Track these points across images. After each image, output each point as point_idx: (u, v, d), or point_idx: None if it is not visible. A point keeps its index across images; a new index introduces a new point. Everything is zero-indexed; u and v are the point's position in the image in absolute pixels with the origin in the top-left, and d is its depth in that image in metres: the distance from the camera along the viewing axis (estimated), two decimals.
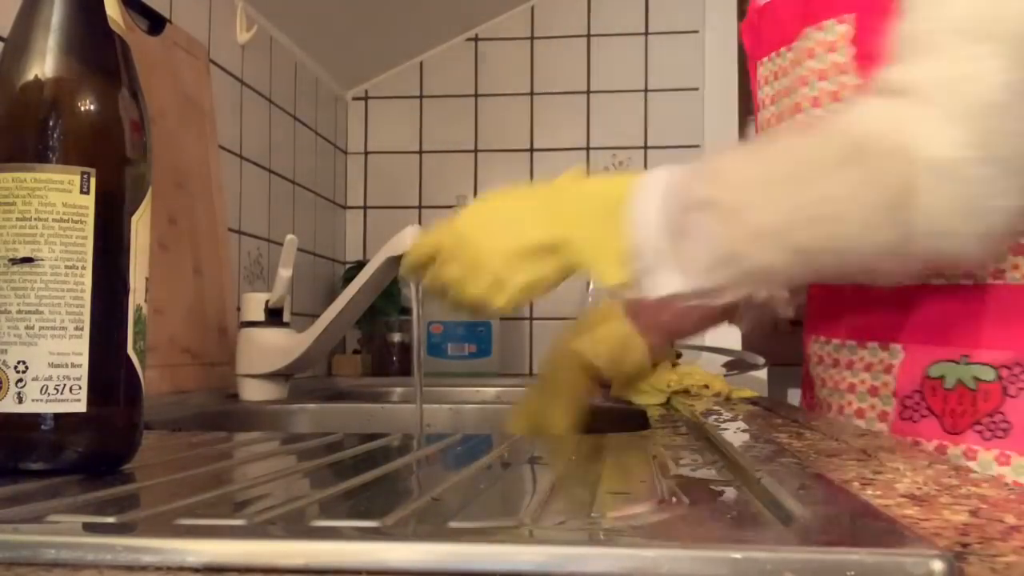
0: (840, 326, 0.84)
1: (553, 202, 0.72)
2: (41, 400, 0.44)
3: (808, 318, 0.91)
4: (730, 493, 0.42)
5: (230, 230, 1.40)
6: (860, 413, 0.82)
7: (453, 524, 0.34)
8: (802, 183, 0.64)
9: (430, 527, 0.35)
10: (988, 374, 0.73)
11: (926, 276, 0.75)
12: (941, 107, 0.62)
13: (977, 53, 0.62)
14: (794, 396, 1.74)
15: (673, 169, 0.69)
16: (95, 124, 0.46)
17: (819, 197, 0.63)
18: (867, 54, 0.73)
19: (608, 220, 0.68)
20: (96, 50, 0.47)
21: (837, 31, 0.77)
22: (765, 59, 0.89)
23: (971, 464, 0.73)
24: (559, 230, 0.70)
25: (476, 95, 2.03)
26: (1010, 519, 0.35)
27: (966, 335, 0.74)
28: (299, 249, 1.67)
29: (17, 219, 0.44)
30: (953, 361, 0.75)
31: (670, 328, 0.94)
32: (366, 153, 2.06)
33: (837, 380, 0.85)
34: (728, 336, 1.75)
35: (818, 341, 0.88)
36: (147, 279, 0.49)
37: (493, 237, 0.72)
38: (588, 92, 2.00)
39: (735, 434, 0.64)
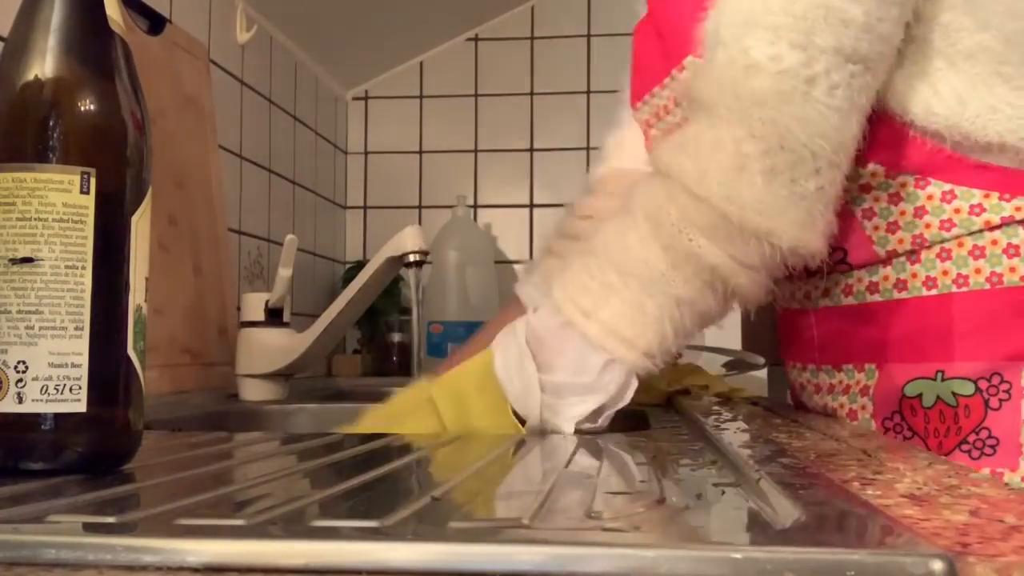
0: (813, 350, 0.81)
1: (431, 401, 0.71)
2: (41, 400, 0.44)
3: (781, 344, 0.88)
4: (730, 493, 0.42)
5: (230, 230, 1.40)
6: None
7: (453, 524, 0.34)
8: (622, 260, 0.65)
9: (430, 527, 0.35)
10: (967, 388, 0.70)
11: (796, 278, 0.73)
12: (720, 109, 0.64)
13: (750, 44, 0.63)
14: None
15: (517, 323, 0.69)
16: (95, 124, 0.46)
17: (641, 263, 0.64)
18: None
19: (486, 392, 0.68)
20: (96, 50, 0.47)
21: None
22: (640, 104, 0.85)
23: None
24: (451, 424, 0.70)
25: (476, 95, 2.03)
26: (1010, 519, 0.35)
27: (938, 349, 0.71)
28: (299, 249, 1.67)
29: (17, 219, 0.44)
30: (929, 378, 0.71)
31: None
32: (366, 153, 2.06)
33: (818, 406, 0.82)
34: (728, 336, 1.75)
35: (795, 368, 0.85)
36: (147, 279, 0.49)
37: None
38: (588, 92, 2.00)
39: (735, 434, 0.64)
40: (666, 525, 0.35)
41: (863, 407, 0.76)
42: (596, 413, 0.67)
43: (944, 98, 0.69)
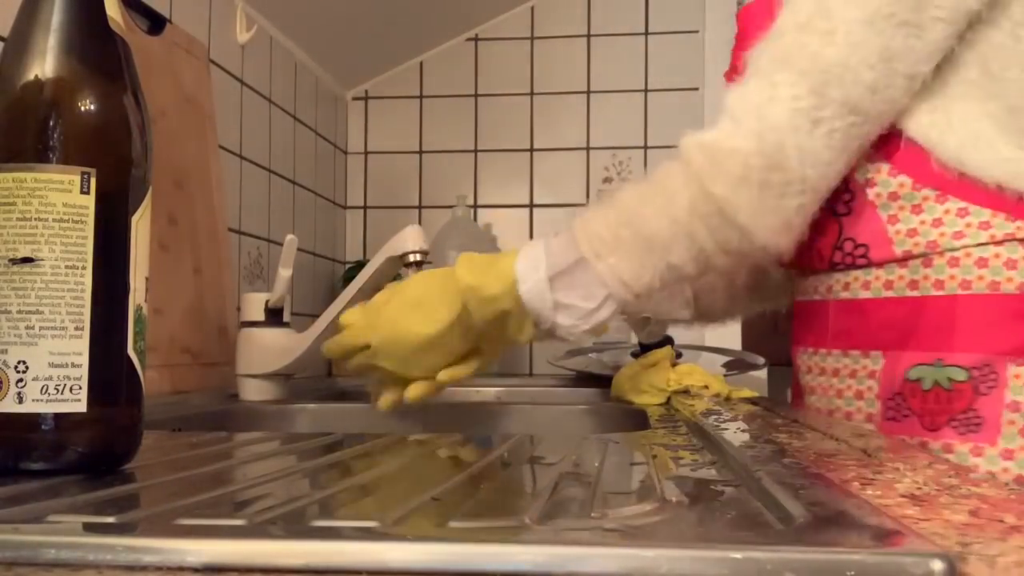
0: (825, 337, 0.91)
1: (453, 283, 0.83)
2: (41, 400, 0.44)
3: (795, 331, 0.98)
4: (730, 493, 0.42)
5: (230, 230, 1.40)
6: (848, 416, 0.88)
7: (453, 524, 0.34)
8: (636, 222, 0.79)
9: (430, 527, 0.35)
10: (961, 375, 0.80)
11: (756, 267, 0.88)
12: (742, 125, 0.78)
13: (779, 81, 0.77)
14: None
15: (541, 242, 0.83)
16: (95, 124, 0.46)
17: (651, 229, 0.79)
18: None
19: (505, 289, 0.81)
20: (96, 50, 0.47)
21: None
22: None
23: (949, 457, 0.79)
24: (464, 310, 0.82)
25: (476, 95, 2.03)
26: (1010, 519, 0.35)
27: (940, 341, 0.82)
28: (299, 249, 1.67)
29: (17, 219, 0.44)
30: (929, 364, 0.82)
31: None
32: (366, 153, 2.06)
33: (826, 387, 0.91)
34: (728, 336, 1.75)
35: (806, 352, 0.95)
36: (147, 279, 0.49)
37: (406, 316, 0.85)
38: (588, 92, 2.00)
39: (735, 434, 0.64)
40: (666, 525, 0.35)
41: (869, 388, 0.86)
42: (592, 331, 0.83)
43: (960, 137, 0.80)
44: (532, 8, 2.02)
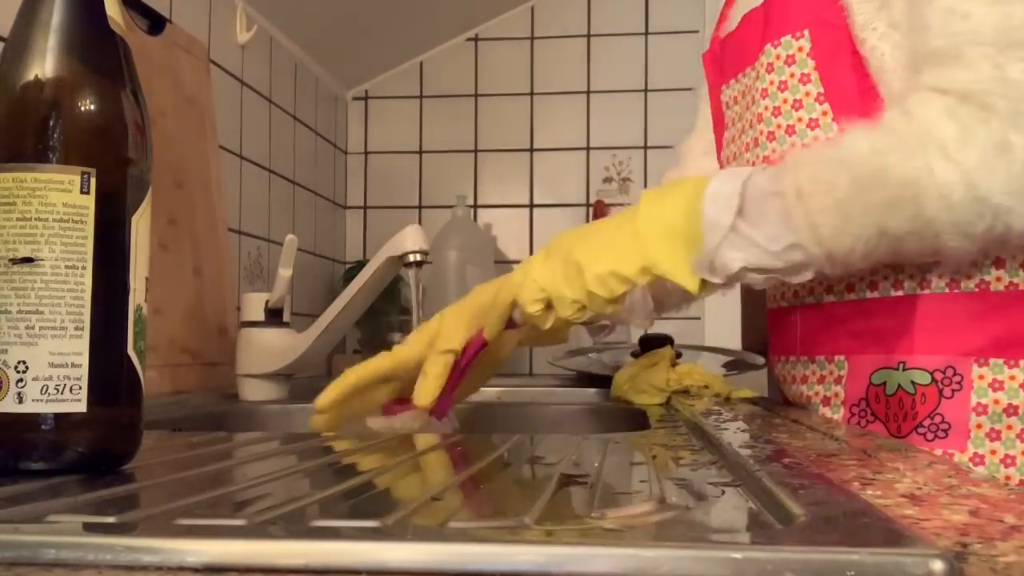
0: (795, 344, 0.89)
1: (634, 219, 0.76)
2: (41, 400, 0.44)
3: (770, 341, 0.96)
4: (730, 493, 0.42)
5: (230, 230, 1.40)
6: None
7: (453, 524, 0.34)
8: (858, 176, 0.69)
9: (430, 527, 0.35)
10: (924, 378, 0.78)
11: (986, 253, 0.77)
12: (981, 106, 0.67)
13: (1002, 61, 0.67)
14: None
15: (744, 171, 0.74)
16: (95, 124, 0.46)
17: (883, 186, 0.68)
18: (825, 65, 0.81)
19: (691, 203, 0.73)
20: (96, 50, 0.47)
21: (794, 45, 0.83)
22: (732, 81, 0.93)
23: None
24: (638, 239, 0.74)
25: (476, 95, 2.03)
26: (1010, 519, 0.35)
27: (902, 343, 0.79)
28: (299, 249, 1.67)
29: (17, 219, 0.44)
30: (892, 368, 0.79)
31: None
32: (366, 153, 2.06)
33: (797, 396, 0.90)
34: (728, 336, 1.75)
35: (779, 362, 0.93)
36: (147, 279, 0.49)
37: (583, 245, 0.76)
38: (588, 92, 2.00)
39: (735, 434, 0.64)
40: (666, 525, 0.35)
41: (836, 394, 0.84)
42: (761, 271, 0.72)
43: None
44: (532, 8, 2.02)
